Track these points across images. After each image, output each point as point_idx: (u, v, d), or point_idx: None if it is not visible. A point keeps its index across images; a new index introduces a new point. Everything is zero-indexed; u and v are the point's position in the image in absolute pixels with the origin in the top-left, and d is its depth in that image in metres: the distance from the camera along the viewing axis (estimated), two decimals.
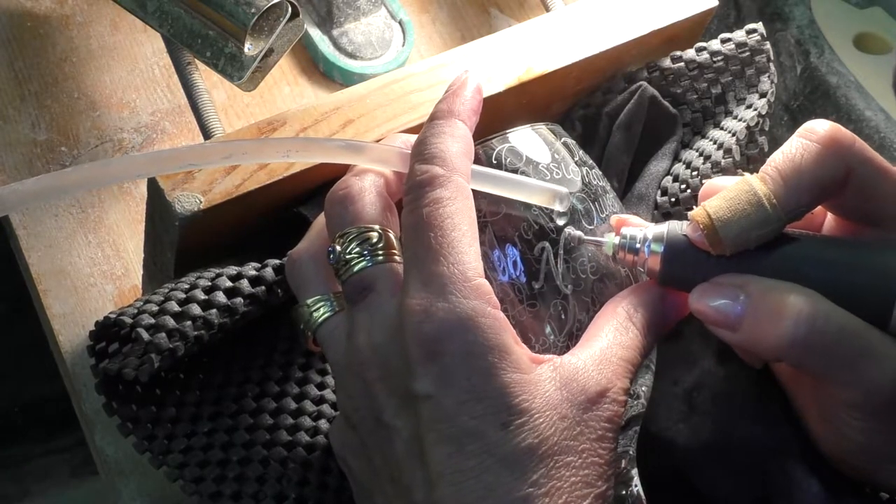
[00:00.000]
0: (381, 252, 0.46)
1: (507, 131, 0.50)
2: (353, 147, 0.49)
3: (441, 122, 0.47)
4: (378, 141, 0.52)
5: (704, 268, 0.47)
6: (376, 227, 0.46)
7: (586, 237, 0.48)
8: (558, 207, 0.48)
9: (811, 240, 0.47)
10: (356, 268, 0.46)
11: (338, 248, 0.46)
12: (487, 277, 0.47)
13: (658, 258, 0.47)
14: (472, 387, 0.42)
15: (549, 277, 0.48)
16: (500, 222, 0.48)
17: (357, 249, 0.46)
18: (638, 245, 0.48)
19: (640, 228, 0.48)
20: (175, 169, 0.47)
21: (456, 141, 0.46)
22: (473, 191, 0.47)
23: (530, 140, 0.50)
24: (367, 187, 0.48)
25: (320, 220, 0.50)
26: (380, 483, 0.45)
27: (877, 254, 0.46)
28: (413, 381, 0.43)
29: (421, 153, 0.46)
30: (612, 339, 0.46)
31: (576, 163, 0.51)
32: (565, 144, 0.51)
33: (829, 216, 0.50)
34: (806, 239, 0.47)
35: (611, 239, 0.48)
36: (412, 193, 0.45)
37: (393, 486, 0.44)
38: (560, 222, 0.48)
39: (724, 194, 0.46)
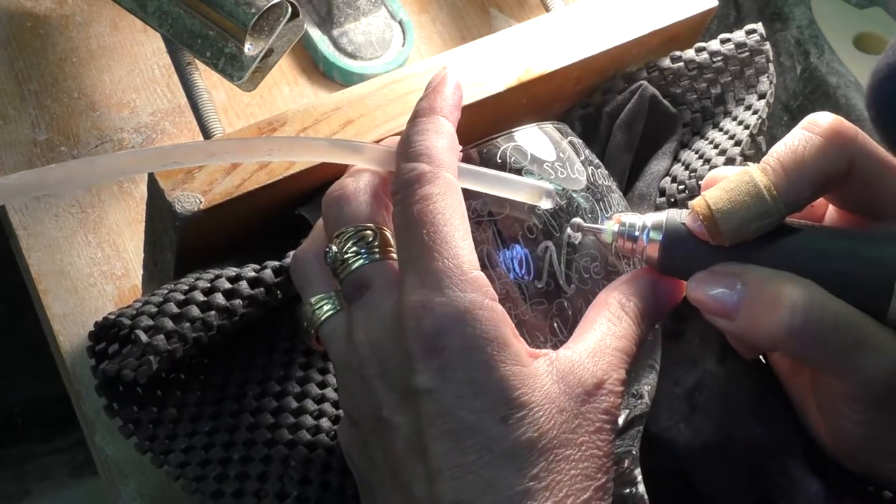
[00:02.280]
0: (377, 250, 0.46)
1: (514, 130, 0.50)
2: (337, 145, 0.48)
3: (424, 119, 0.47)
4: (378, 142, 0.52)
5: (703, 256, 0.47)
6: (372, 225, 0.46)
7: (585, 224, 0.48)
8: (544, 205, 0.48)
9: (811, 230, 0.47)
10: (353, 266, 0.46)
11: (334, 247, 0.46)
12: (492, 275, 0.47)
13: (657, 246, 0.47)
14: (472, 380, 0.42)
15: (553, 276, 0.48)
16: (505, 221, 0.48)
17: (353, 248, 0.46)
18: (637, 233, 0.47)
19: (639, 216, 0.48)
20: (160, 167, 0.47)
21: (440, 137, 0.46)
22: (467, 190, 0.47)
23: (536, 139, 0.50)
24: (362, 187, 0.48)
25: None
26: (380, 479, 0.45)
27: (875, 245, 0.46)
28: (413, 376, 0.43)
29: (406, 151, 0.46)
30: (605, 329, 0.46)
31: (582, 162, 0.50)
32: (571, 143, 0.51)
33: (831, 207, 0.50)
34: (806, 229, 0.47)
35: (609, 226, 0.48)
36: (401, 192, 0.45)
37: (393, 481, 0.44)
38: (544, 205, 0.48)
39: (724, 185, 0.46)
